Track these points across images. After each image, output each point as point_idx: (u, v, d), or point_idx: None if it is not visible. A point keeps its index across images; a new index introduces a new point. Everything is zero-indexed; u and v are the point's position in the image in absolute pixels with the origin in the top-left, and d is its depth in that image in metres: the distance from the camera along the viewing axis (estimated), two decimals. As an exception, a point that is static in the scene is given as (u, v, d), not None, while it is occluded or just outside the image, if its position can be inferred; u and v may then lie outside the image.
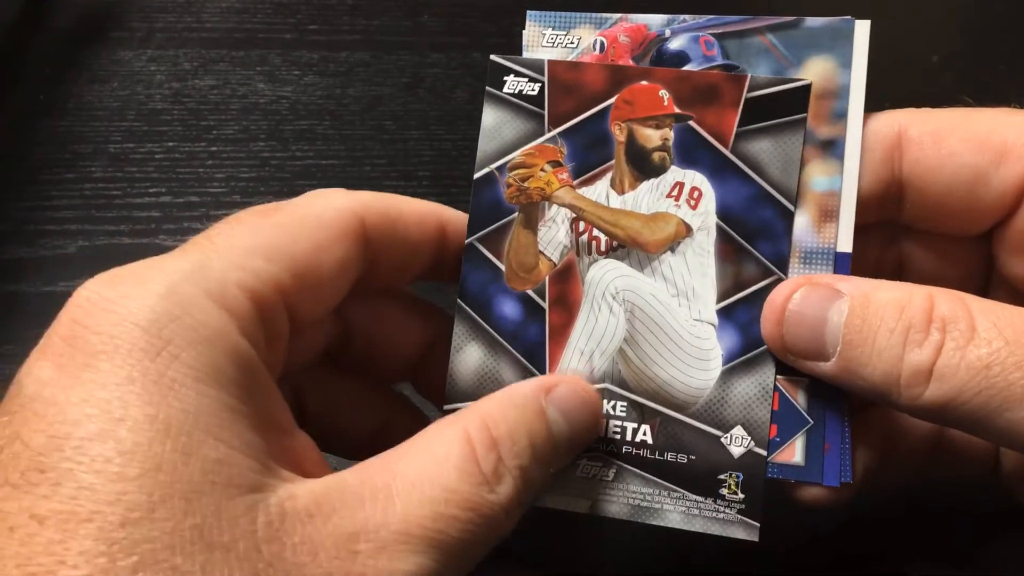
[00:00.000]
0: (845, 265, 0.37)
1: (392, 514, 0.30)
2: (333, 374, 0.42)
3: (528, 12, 0.39)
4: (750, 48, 0.37)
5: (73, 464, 0.27)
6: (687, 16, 0.38)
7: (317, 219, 0.36)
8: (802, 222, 0.37)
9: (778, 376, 0.37)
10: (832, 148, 0.37)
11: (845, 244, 0.37)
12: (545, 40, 0.39)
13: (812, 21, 0.37)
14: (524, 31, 0.40)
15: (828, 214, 0.37)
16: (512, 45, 0.67)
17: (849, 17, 0.37)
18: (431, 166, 0.64)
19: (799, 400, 0.37)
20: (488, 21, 0.72)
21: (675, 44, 0.38)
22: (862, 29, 0.37)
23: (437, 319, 0.41)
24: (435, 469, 0.32)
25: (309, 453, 0.34)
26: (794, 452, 0.37)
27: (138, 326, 0.30)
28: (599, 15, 0.39)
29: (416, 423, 0.41)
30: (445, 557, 0.31)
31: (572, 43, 0.39)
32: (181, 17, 0.74)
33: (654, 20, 0.38)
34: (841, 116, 0.37)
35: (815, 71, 0.37)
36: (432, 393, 0.39)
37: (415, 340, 0.41)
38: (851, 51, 0.37)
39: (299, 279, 0.34)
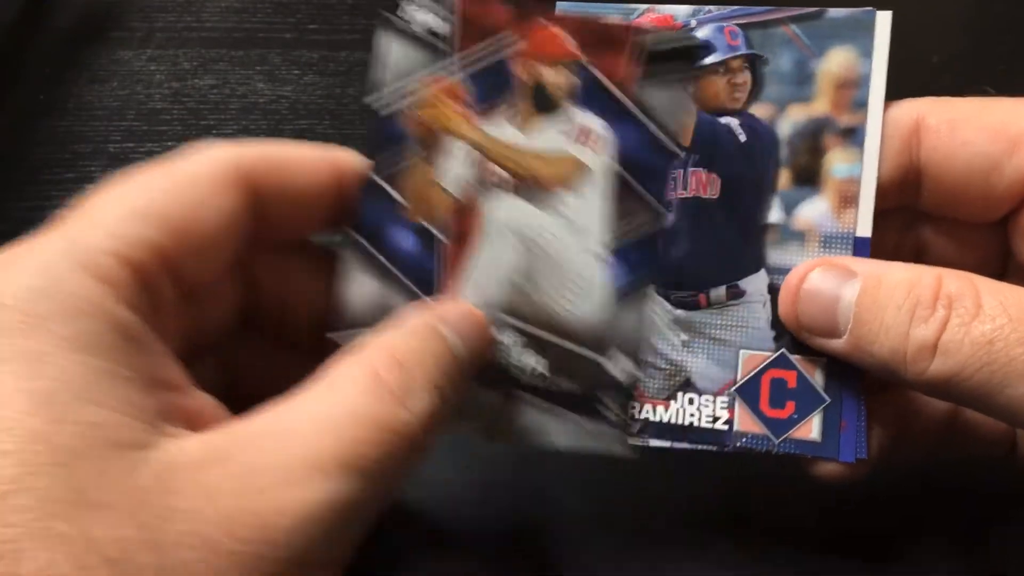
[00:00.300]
0: (864, 249, 0.38)
1: (298, 447, 0.30)
2: (260, 345, 0.41)
3: (557, 3, 0.40)
4: (773, 38, 0.38)
5: None
6: (712, 7, 0.39)
7: (193, 175, 0.35)
8: (822, 207, 0.38)
9: (795, 355, 0.38)
10: (852, 136, 0.38)
11: (864, 229, 0.38)
12: (574, 29, 0.40)
13: (834, 12, 0.38)
14: (554, 21, 0.40)
15: (848, 200, 0.38)
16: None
17: (870, 8, 0.38)
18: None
19: (816, 379, 0.38)
20: (488, 21, 0.73)
21: (700, 34, 0.39)
22: (883, 20, 0.38)
23: None
24: (343, 399, 0.32)
25: (209, 412, 0.33)
26: (811, 429, 0.38)
27: (9, 307, 0.30)
28: (627, 5, 0.40)
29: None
30: (365, 480, 0.30)
31: (601, 33, 0.40)
32: (181, 17, 0.75)
33: (680, 11, 0.39)
34: (861, 105, 0.38)
35: (837, 61, 0.38)
36: None
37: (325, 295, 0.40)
38: (872, 41, 0.38)
39: (179, 239, 0.34)
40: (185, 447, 0.30)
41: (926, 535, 0.45)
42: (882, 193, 0.38)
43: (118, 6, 0.74)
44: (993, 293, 0.34)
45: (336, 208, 0.39)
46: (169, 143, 0.65)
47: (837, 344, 0.36)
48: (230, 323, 0.40)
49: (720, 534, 0.45)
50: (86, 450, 0.28)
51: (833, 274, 0.36)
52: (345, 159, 0.39)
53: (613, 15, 0.40)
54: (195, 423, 0.32)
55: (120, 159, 0.64)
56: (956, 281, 0.34)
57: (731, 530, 0.45)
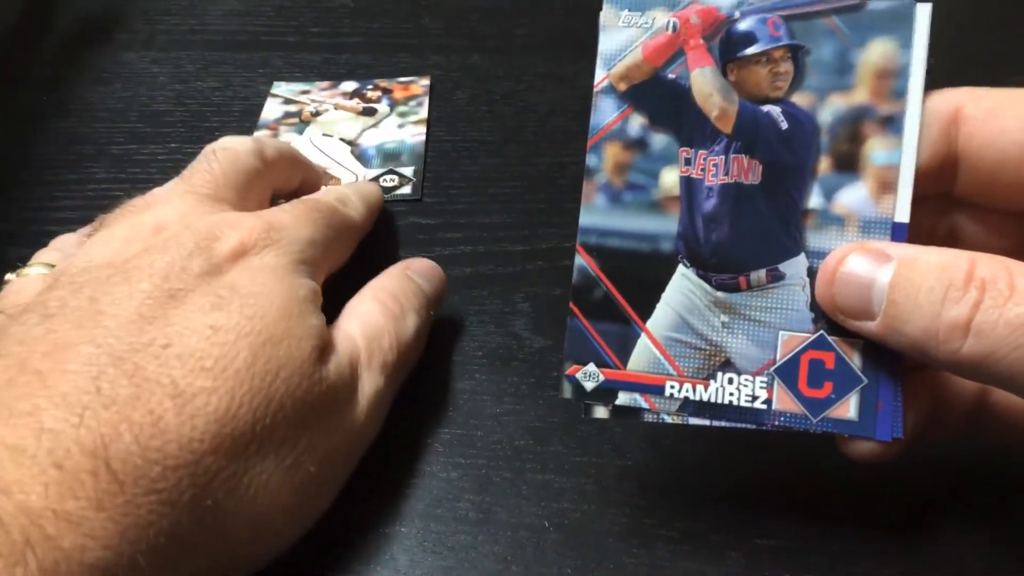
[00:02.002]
0: (902, 235, 0.38)
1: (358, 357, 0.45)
2: None
3: (604, 1, 0.41)
4: (815, 29, 0.39)
5: None
6: (756, -1, 0.40)
7: None
8: (862, 193, 0.39)
9: (834, 337, 0.39)
10: (892, 124, 0.39)
11: (903, 215, 0.38)
12: (621, 21, 0.41)
13: (875, 4, 0.39)
14: (601, 12, 0.41)
15: (887, 186, 0.39)
16: (512, 46, 0.69)
17: (911, 0, 0.39)
18: (431, 167, 0.65)
19: (854, 360, 0.39)
20: (488, 23, 0.73)
21: (744, 25, 0.40)
22: (923, 11, 0.39)
23: None
24: (368, 316, 0.47)
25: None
26: (848, 408, 0.39)
27: None
28: None
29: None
30: (391, 376, 0.46)
31: (646, 23, 0.41)
32: (184, 19, 0.75)
33: (725, 2, 0.40)
34: (901, 94, 0.39)
35: (878, 51, 0.39)
36: None
37: None
38: (912, 32, 0.39)
39: None
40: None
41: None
42: (919, 180, 0.39)
43: (121, 8, 0.74)
44: None
45: None
46: (172, 145, 0.66)
47: (871, 326, 0.37)
48: None
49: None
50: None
51: (869, 257, 0.37)
52: None
53: (660, 7, 0.41)
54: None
55: (123, 161, 0.65)
56: (989, 264, 0.35)
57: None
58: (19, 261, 0.48)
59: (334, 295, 0.47)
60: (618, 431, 0.49)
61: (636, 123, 0.41)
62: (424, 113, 0.69)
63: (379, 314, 0.47)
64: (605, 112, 0.42)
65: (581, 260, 0.41)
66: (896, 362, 0.39)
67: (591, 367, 0.41)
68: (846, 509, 0.46)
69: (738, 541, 0.45)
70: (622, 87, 0.41)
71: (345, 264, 0.51)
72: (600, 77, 0.42)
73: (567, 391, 0.41)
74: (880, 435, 0.39)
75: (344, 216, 0.51)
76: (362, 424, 0.44)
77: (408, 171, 0.65)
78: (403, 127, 0.68)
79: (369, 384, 0.45)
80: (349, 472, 0.45)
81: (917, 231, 0.39)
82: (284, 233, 0.45)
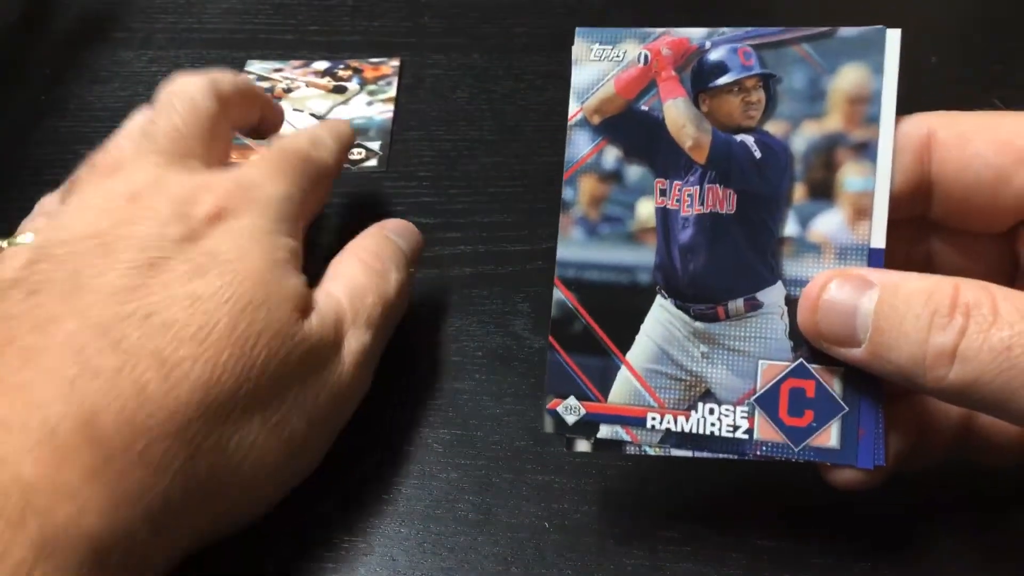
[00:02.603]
0: (879, 260, 0.38)
1: (344, 313, 0.46)
2: None
3: (577, 29, 0.41)
4: (786, 57, 0.39)
5: None
6: (726, 29, 0.40)
7: None
8: (837, 220, 0.39)
9: (813, 365, 0.39)
10: (865, 150, 0.38)
11: (878, 240, 0.38)
12: (592, 55, 0.41)
13: (845, 31, 0.39)
14: (573, 47, 0.41)
15: (862, 212, 0.38)
16: (512, 45, 0.69)
17: (881, 26, 0.38)
18: (431, 166, 0.65)
19: (835, 388, 0.39)
20: (488, 22, 0.73)
21: (715, 55, 0.40)
22: (893, 37, 0.38)
23: None
24: (350, 275, 0.47)
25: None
26: (830, 436, 0.39)
27: None
28: (643, 30, 0.40)
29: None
30: (377, 332, 0.47)
31: (618, 56, 0.41)
32: (182, 18, 0.75)
33: (695, 33, 0.40)
34: (873, 120, 0.38)
35: (849, 78, 0.38)
36: None
37: None
38: (883, 58, 0.38)
39: None
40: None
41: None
42: (894, 205, 0.38)
43: (119, 7, 0.74)
44: (1010, 300, 0.34)
45: None
46: (171, 144, 0.65)
47: (856, 353, 0.37)
48: None
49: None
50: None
51: (851, 284, 0.37)
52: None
53: (631, 40, 0.40)
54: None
55: (123, 160, 0.64)
56: (973, 290, 0.34)
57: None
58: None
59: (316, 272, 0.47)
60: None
61: (611, 155, 0.41)
62: (393, 92, 0.70)
63: (361, 273, 0.47)
64: (579, 145, 0.41)
65: (560, 294, 0.41)
66: (877, 389, 0.39)
67: (572, 400, 0.41)
68: (846, 511, 0.46)
69: (739, 542, 0.45)
70: (596, 120, 0.41)
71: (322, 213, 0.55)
72: (574, 111, 0.41)
73: (548, 425, 0.41)
74: (862, 463, 0.39)
75: (317, 161, 0.51)
76: (348, 381, 0.44)
77: (375, 145, 0.66)
78: (372, 104, 0.69)
79: (355, 340, 0.45)
80: (337, 430, 0.46)
81: (894, 256, 0.39)
82: (259, 192, 0.45)
